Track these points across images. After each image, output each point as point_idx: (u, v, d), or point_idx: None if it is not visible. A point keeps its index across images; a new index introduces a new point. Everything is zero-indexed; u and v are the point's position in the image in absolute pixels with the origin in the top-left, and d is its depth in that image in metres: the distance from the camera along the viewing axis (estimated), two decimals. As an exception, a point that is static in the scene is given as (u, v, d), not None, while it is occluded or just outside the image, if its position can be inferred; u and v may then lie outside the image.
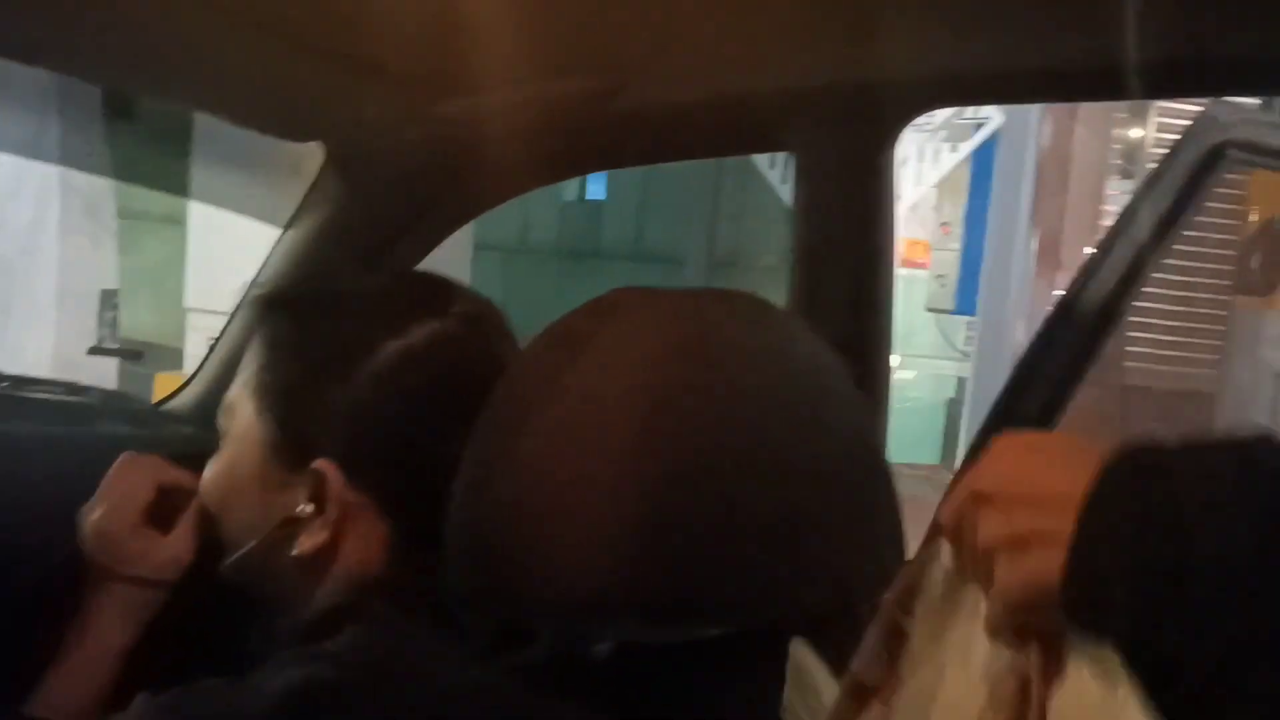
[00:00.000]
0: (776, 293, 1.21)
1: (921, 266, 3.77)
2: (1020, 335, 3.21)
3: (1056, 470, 0.49)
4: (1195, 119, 1.11)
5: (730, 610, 0.70)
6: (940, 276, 3.41)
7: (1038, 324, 3.28)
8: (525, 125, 1.19)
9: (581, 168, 1.31)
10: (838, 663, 0.88)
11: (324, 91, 1.17)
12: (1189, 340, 3.18)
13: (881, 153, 1.13)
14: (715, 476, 0.67)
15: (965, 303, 3.29)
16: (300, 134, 1.28)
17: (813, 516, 0.73)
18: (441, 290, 0.88)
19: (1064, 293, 1.21)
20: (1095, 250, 1.16)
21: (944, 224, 3.57)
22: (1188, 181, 1.09)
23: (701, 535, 0.67)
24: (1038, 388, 1.16)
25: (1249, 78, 0.92)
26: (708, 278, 6.05)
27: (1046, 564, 0.47)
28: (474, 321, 0.86)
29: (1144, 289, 3.49)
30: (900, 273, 4.90)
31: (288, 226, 1.31)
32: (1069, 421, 3.60)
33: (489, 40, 1.01)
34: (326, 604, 0.77)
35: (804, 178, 1.15)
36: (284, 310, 0.86)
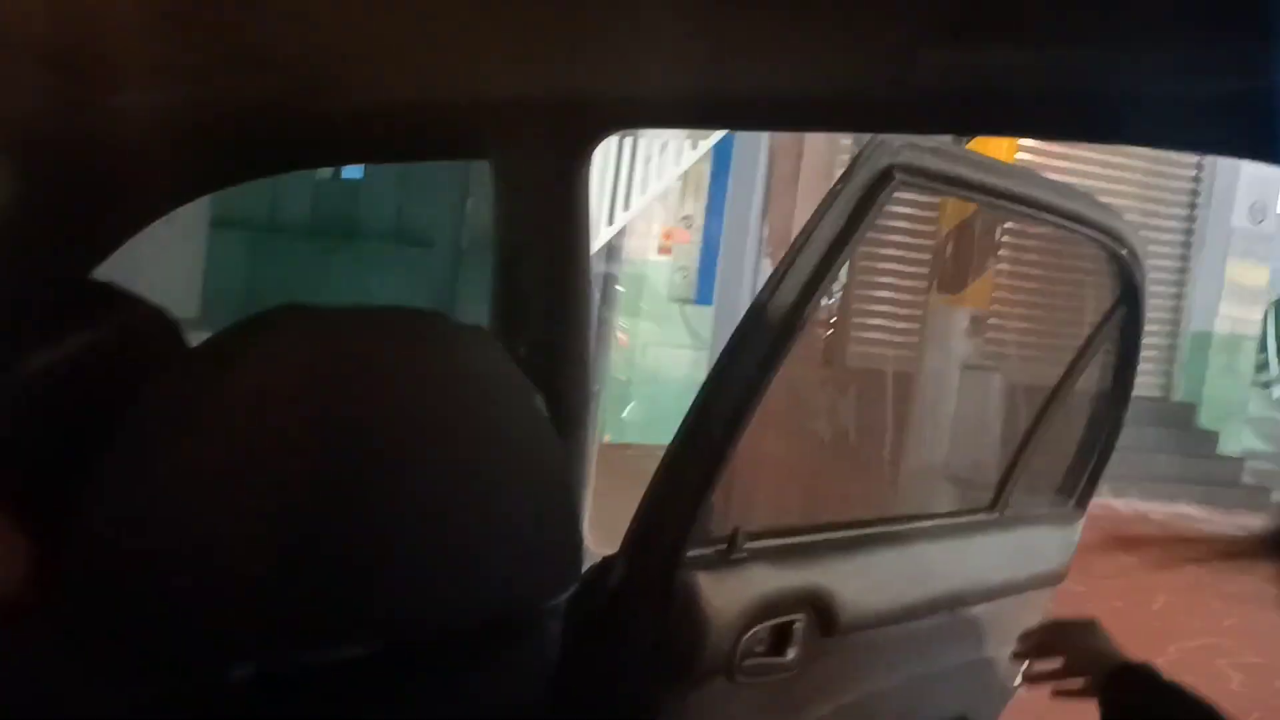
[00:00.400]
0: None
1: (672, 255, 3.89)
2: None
3: None
4: (866, 143, 1.20)
5: (375, 629, 0.71)
6: (682, 268, 3.52)
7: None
8: (208, 122, 1.14)
9: (271, 168, 1.28)
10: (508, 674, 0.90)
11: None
12: (899, 329, 3.46)
13: (577, 166, 1.15)
14: (355, 502, 0.68)
15: (706, 293, 3.41)
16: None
17: (466, 529, 0.75)
18: (102, 300, 0.84)
19: (754, 299, 1.27)
20: (780, 263, 1.23)
21: (685, 217, 3.68)
22: (860, 200, 1.17)
23: (342, 557, 0.68)
24: (732, 386, 1.22)
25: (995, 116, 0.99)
26: (455, 261, 6.00)
27: None
28: (132, 332, 0.83)
29: (862, 282, 3.73)
30: (659, 260, 5.05)
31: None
32: (803, 398, 3.78)
33: (167, 30, 0.97)
34: None
35: (501, 186, 1.16)
36: None
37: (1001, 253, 3.38)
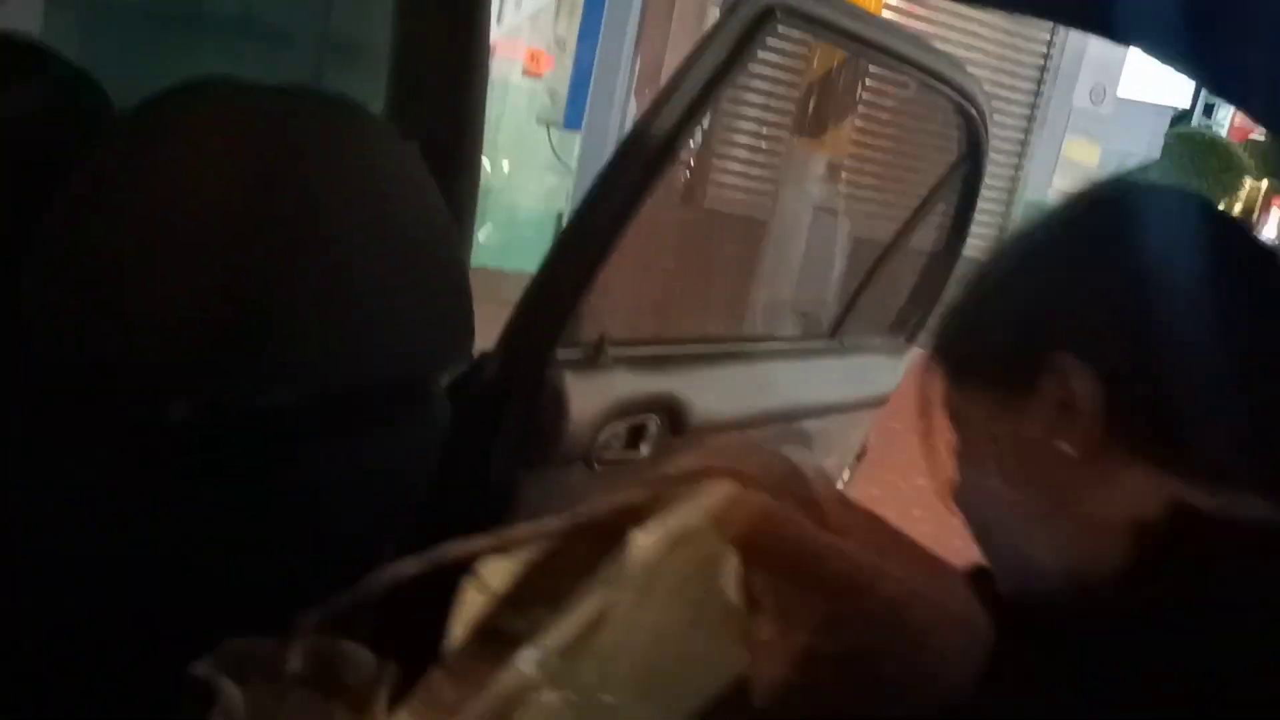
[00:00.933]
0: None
1: (539, 77, 3.84)
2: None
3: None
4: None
5: (300, 375, 0.79)
6: (550, 90, 3.50)
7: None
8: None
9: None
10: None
11: None
12: (757, 175, 3.56)
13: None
14: (282, 257, 0.75)
15: (575, 118, 3.41)
16: None
17: (373, 298, 0.83)
18: (28, 54, 0.85)
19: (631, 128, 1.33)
20: (660, 91, 1.29)
21: (558, 39, 3.64)
22: (740, 37, 1.24)
23: (267, 307, 0.75)
24: (607, 206, 1.29)
25: None
26: (319, 61, 5.72)
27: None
28: (66, 91, 0.84)
29: (725, 126, 3.79)
30: (522, 83, 4.94)
31: None
32: (662, 236, 3.86)
33: None
34: None
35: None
36: None
37: (861, 105, 3.50)
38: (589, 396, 1.35)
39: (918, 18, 5.31)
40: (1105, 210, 0.67)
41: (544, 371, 1.29)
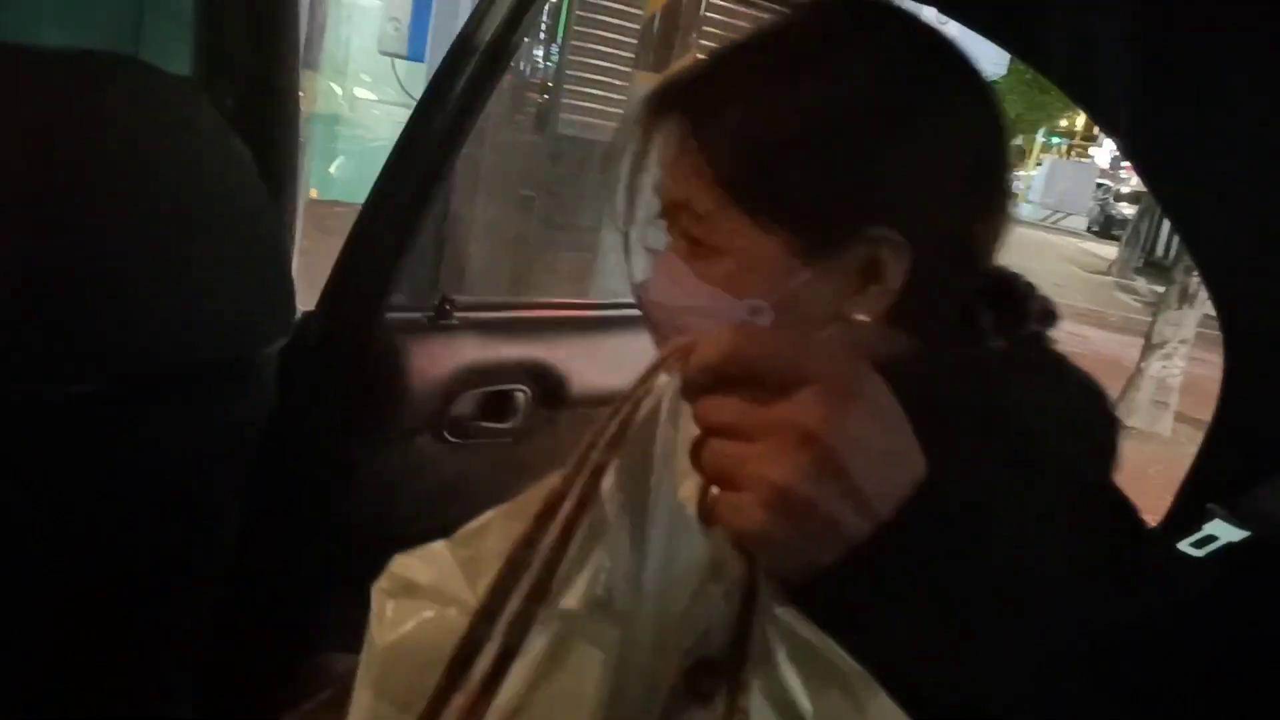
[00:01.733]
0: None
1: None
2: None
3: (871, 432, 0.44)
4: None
5: (115, 358, 0.76)
6: (393, 20, 3.38)
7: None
8: None
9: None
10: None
11: None
12: (610, 101, 3.56)
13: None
14: (80, 237, 0.72)
15: (418, 48, 3.31)
16: None
17: (172, 272, 0.80)
18: None
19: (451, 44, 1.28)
20: (467, 20, 1.25)
21: (400, -40, 3.52)
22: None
23: (70, 290, 0.72)
24: (427, 142, 1.25)
25: None
26: (138, 8, 5.39)
27: (816, 546, 0.44)
28: None
29: (578, 54, 3.74)
30: (371, 5, 4.72)
31: None
32: (512, 158, 3.78)
33: None
34: None
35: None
36: None
37: (706, 29, 3.49)
38: (432, 361, 1.29)
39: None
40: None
41: (370, 331, 1.23)
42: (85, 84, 0.81)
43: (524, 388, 1.37)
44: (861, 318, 0.66)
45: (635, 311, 1.49)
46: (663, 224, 0.71)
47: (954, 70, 0.68)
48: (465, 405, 1.33)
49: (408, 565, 0.47)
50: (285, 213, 1.21)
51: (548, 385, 1.39)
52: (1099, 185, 22.96)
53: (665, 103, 0.70)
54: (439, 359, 1.30)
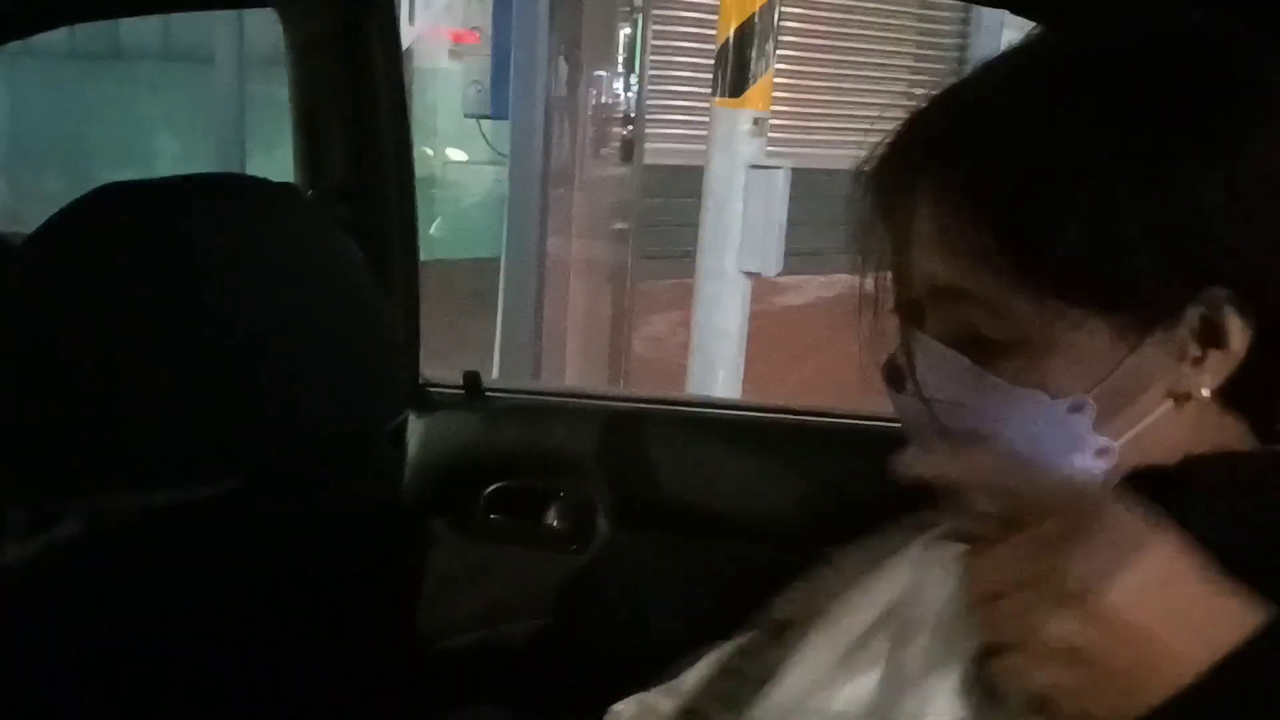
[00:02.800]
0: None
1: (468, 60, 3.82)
2: (555, 137, 3.45)
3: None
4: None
5: (252, 455, 0.81)
6: (475, 82, 3.50)
7: (566, 128, 3.49)
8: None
9: (52, 22, 1.25)
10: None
11: None
12: (689, 126, 3.62)
13: (364, 11, 1.18)
14: (214, 346, 0.78)
15: (500, 106, 3.41)
16: None
17: (305, 368, 0.85)
18: None
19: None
20: None
21: (474, 28, 3.63)
22: None
23: (205, 393, 0.77)
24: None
25: None
26: (240, 76, 5.68)
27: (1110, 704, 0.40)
28: None
29: (654, 87, 3.78)
30: (453, 68, 4.88)
31: None
32: (602, 193, 3.84)
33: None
34: None
35: (290, 37, 1.18)
36: None
37: (781, 52, 3.52)
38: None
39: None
40: None
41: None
42: (196, 206, 0.87)
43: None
44: (1205, 393, 0.56)
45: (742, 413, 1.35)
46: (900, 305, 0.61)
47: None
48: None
49: None
50: (406, 293, 1.25)
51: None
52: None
53: (909, 168, 0.58)
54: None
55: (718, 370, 3.40)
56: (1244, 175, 0.53)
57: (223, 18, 6.13)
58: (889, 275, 0.62)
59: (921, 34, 7.17)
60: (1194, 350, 0.55)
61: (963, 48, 9.62)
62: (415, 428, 1.24)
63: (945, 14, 7.24)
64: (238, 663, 0.85)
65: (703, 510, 1.18)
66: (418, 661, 1.12)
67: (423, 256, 1.34)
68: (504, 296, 3.48)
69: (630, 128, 3.75)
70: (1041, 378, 0.55)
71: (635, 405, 1.31)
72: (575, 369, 3.89)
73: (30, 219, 0.85)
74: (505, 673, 1.14)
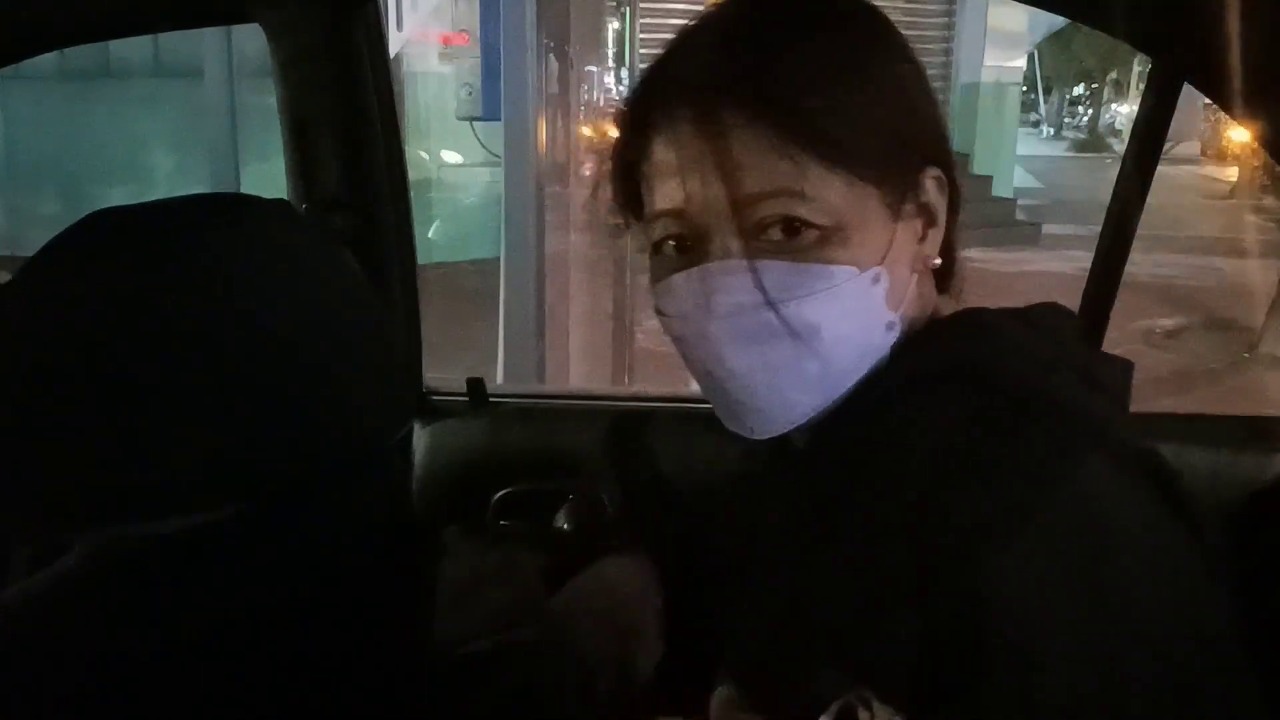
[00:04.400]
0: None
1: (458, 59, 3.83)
2: (544, 137, 3.45)
3: None
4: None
5: (256, 477, 0.81)
6: (465, 85, 3.49)
7: (558, 126, 3.47)
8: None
9: (37, 48, 1.25)
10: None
11: None
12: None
13: (347, 24, 1.17)
14: (211, 368, 0.78)
15: (492, 108, 3.41)
16: None
17: (305, 384, 0.85)
18: None
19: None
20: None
21: (462, 31, 3.62)
22: None
23: (201, 416, 0.77)
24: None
25: None
26: (230, 89, 5.68)
27: None
28: None
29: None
30: (444, 70, 4.87)
31: None
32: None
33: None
34: None
35: (275, 51, 1.18)
36: None
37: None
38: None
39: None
40: None
41: None
42: (192, 228, 0.87)
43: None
44: (935, 262, 0.69)
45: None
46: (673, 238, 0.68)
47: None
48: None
49: None
50: (405, 303, 1.25)
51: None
52: (1207, 105, 21.93)
53: (699, 86, 0.65)
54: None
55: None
56: (915, 77, 0.68)
57: (211, 32, 6.13)
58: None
59: (908, 14, 7.14)
60: (920, 226, 0.68)
61: (948, 26, 9.62)
62: (421, 437, 1.24)
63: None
64: (253, 684, 0.85)
65: (711, 505, 1.19)
66: (434, 669, 1.12)
67: (422, 260, 1.33)
68: (505, 296, 3.48)
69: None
70: (849, 256, 0.64)
71: (641, 404, 1.31)
72: (579, 365, 3.89)
73: (29, 243, 0.85)
74: (522, 676, 1.14)
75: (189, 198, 0.91)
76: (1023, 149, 12.82)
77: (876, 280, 0.65)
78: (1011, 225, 9.73)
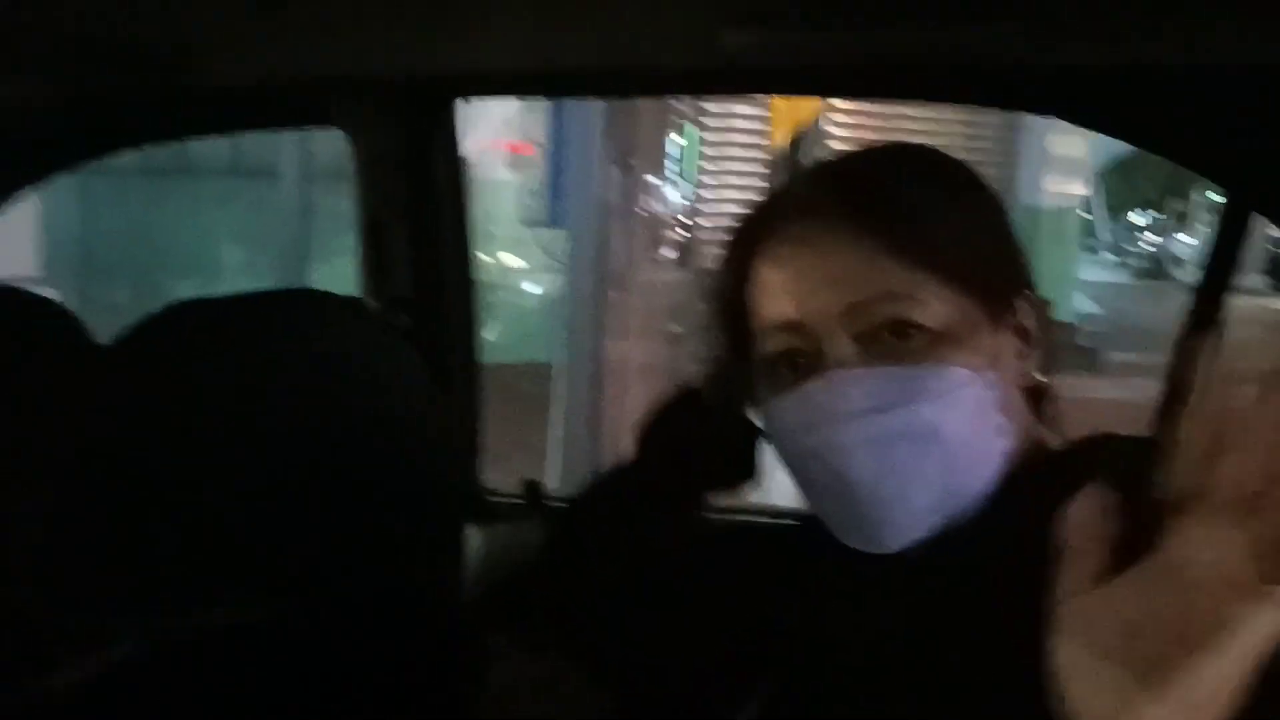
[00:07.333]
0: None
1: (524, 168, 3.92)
2: (610, 243, 3.50)
3: None
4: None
5: (262, 584, 0.81)
6: (532, 192, 3.58)
7: (625, 235, 3.53)
8: (67, 108, 1.17)
9: (127, 143, 1.30)
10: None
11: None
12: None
13: (428, 134, 1.22)
14: (282, 466, 0.78)
15: (558, 215, 3.48)
16: None
17: (369, 482, 0.85)
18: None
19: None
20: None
21: (529, 140, 3.73)
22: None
23: (269, 513, 0.77)
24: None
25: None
26: (306, 191, 5.87)
27: None
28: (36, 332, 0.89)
29: (706, 194, 3.85)
30: (508, 178, 5.01)
31: None
32: (655, 297, 3.83)
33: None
34: None
35: (357, 157, 1.22)
36: None
37: (829, 145, 3.58)
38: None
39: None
40: None
41: None
42: (268, 321, 0.88)
43: None
44: (1036, 378, 0.71)
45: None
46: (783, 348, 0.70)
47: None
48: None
49: None
50: (468, 403, 1.26)
51: None
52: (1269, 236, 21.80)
53: (813, 207, 0.70)
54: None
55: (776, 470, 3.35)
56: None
57: (289, 135, 6.37)
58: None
59: (968, 137, 7.21)
60: (1019, 346, 0.71)
61: (1008, 151, 9.69)
62: (476, 538, 1.23)
63: (992, 121, 7.29)
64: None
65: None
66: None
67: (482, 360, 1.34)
68: (564, 400, 3.49)
69: (684, 232, 3.80)
70: (960, 359, 0.66)
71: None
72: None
73: (97, 330, 0.87)
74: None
75: (267, 293, 0.93)
76: (1084, 275, 12.76)
77: (988, 385, 0.67)
78: (1071, 351, 9.62)
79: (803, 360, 0.69)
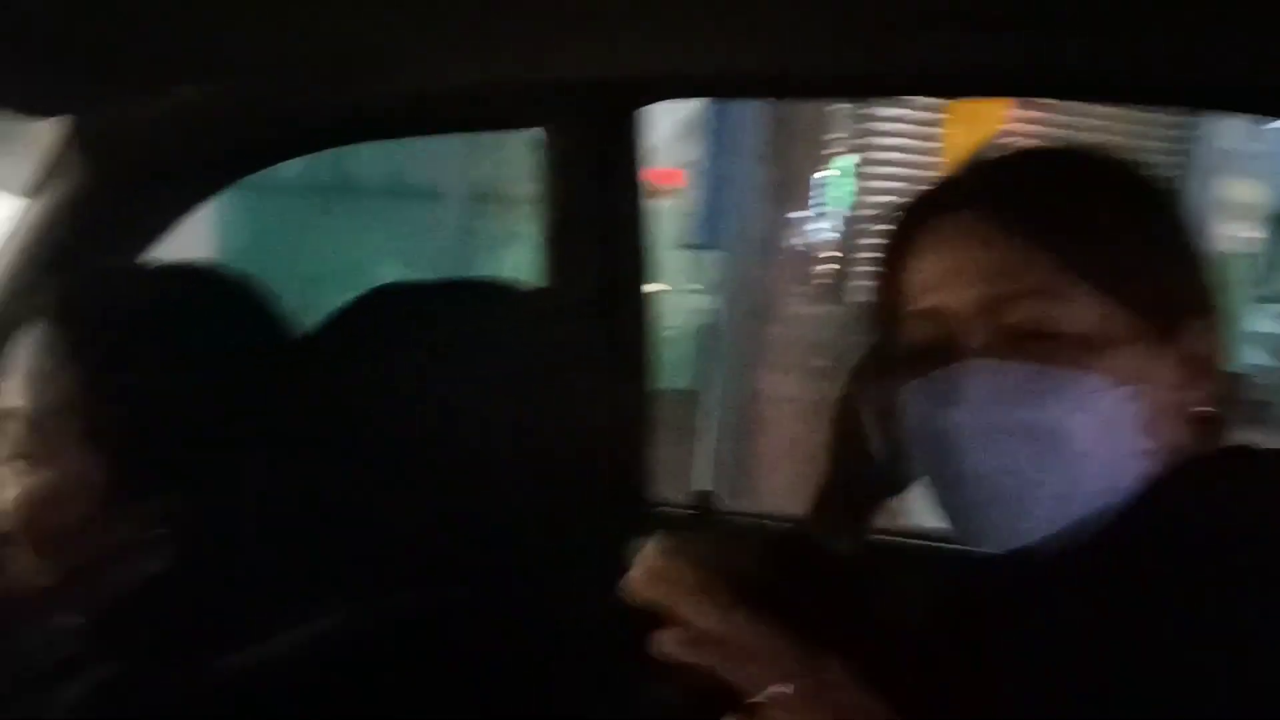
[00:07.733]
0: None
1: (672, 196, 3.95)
2: (766, 269, 3.48)
3: None
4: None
5: (432, 573, 0.80)
6: (689, 214, 3.59)
7: (777, 256, 3.49)
8: (268, 105, 1.21)
9: (323, 145, 1.35)
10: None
11: (63, 69, 1.15)
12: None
13: (624, 134, 1.22)
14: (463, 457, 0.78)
15: (712, 237, 3.48)
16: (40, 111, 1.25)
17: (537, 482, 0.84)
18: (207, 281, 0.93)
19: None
20: None
21: (678, 166, 3.74)
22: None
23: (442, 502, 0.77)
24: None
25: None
26: (468, 212, 6.01)
27: None
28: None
29: (862, 227, 3.78)
30: (661, 206, 5.03)
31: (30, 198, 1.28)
32: (800, 330, 3.77)
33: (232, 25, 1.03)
34: None
35: (554, 153, 1.23)
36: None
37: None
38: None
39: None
40: None
41: None
42: (467, 306, 0.88)
43: None
44: (1204, 410, 0.68)
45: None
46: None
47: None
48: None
49: None
50: (640, 410, 1.25)
51: None
52: None
53: (968, 199, 0.70)
54: None
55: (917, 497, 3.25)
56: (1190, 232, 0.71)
57: (452, 155, 6.55)
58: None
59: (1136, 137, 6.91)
60: (1186, 373, 0.68)
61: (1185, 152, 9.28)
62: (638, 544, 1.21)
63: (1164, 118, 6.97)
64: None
65: None
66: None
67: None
68: (715, 428, 3.46)
69: (837, 266, 3.75)
70: (1102, 368, 0.64)
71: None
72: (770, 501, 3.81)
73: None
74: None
75: (464, 280, 0.93)
76: (1257, 326, 12.09)
77: (1129, 400, 0.65)
78: (1241, 403, 9.12)
79: (942, 349, 0.69)
